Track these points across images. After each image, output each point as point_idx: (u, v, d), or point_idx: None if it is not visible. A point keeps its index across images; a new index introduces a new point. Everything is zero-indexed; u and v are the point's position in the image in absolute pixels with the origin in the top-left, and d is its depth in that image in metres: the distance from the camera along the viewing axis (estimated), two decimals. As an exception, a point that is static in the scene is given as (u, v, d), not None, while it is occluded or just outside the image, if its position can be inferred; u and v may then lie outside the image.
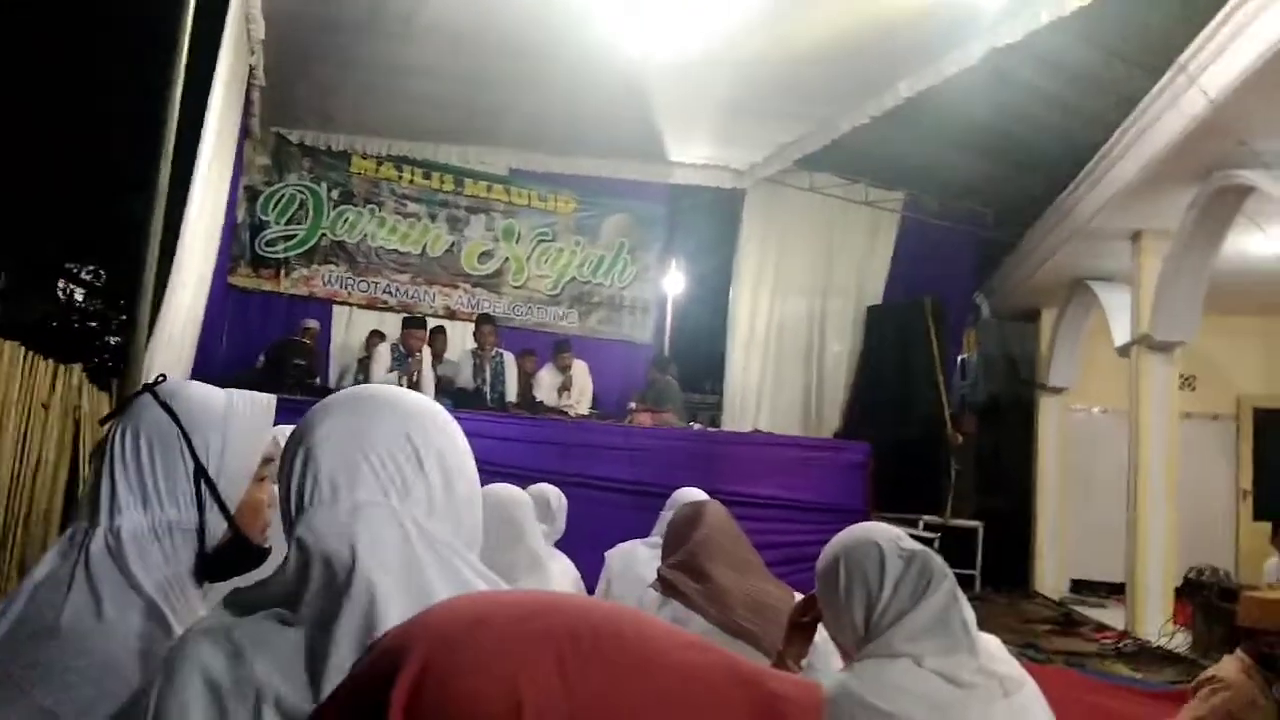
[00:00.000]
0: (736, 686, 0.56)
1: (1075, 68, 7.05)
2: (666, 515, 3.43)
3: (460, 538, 0.99)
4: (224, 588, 1.37)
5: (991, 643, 1.67)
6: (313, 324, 8.69)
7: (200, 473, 1.25)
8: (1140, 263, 7.90)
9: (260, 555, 1.33)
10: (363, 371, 8.22)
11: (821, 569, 1.75)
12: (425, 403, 1.06)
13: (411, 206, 9.73)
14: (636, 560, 3.30)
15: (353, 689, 0.58)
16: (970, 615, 1.63)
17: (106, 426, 1.32)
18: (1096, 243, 8.27)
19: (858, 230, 10.16)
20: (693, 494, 3.48)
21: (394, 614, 0.87)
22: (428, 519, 0.94)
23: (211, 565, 1.27)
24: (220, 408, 1.29)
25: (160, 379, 1.34)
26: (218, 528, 1.27)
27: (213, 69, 5.21)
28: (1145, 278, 7.77)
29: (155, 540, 1.23)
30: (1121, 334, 8.35)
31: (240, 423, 1.30)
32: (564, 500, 3.72)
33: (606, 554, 3.49)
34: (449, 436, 1.03)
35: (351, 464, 0.95)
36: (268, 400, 1.36)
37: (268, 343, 8.31)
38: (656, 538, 3.42)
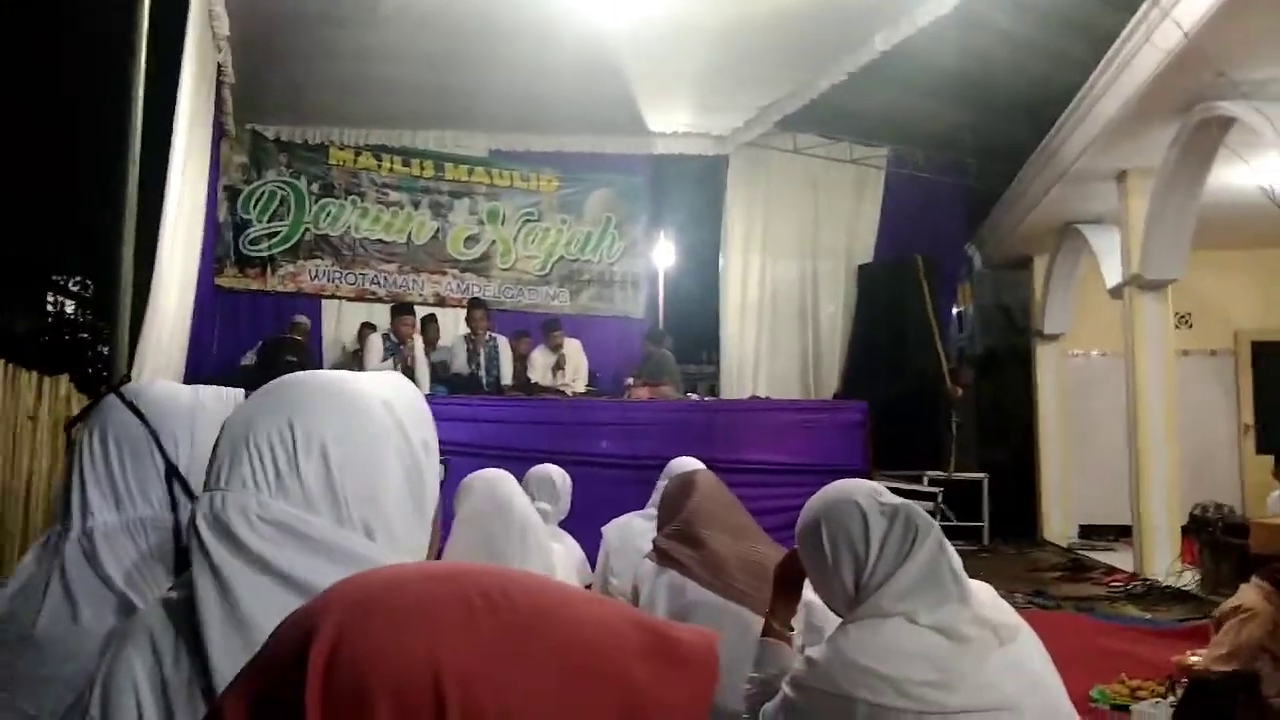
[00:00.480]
0: (635, 630, 0.57)
1: (1048, 9, 6.99)
2: (663, 485, 3.44)
3: (348, 531, 0.90)
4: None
5: (984, 590, 1.65)
6: (303, 320, 8.66)
7: (171, 470, 1.24)
8: (1127, 203, 7.87)
9: None
10: (356, 364, 8.20)
11: (803, 533, 1.71)
12: (344, 387, 0.96)
13: (393, 195, 9.68)
14: (633, 533, 3.31)
15: (261, 668, 0.56)
16: (958, 563, 1.62)
17: (71, 432, 1.30)
18: (1082, 185, 8.23)
19: (844, 189, 10.13)
20: (688, 463, 3.48)
21: (207, 605, 0.86)
22: (303, 510, 0.88)
23: (189, 561, 1.26)
24: (187, 404, 1.29)
25: (125, 379, 1.33)
26: None
27: (178, 69, 5.15)
28: (1133, 218, 7.73)
29: (130, 538, 1.22)
30: (1113, 276, 8.33)
31: (208, 418, 1.29)
32: (568, 480, 3.72)
33: (603, 529, 3.49)
34: (350, 426, 0.92)
35: (236, 451, 0.91)
36: (234, 394, 1.35)
37: (259, 342, 8.29)
38: (652, 509, 3.42)
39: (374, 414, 0.94)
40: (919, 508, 1.66)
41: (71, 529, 1.23)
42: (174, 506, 1.25)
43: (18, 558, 3.36)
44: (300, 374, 0.99)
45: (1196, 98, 6.28)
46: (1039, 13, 7.02)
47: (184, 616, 0.89)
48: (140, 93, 4.00)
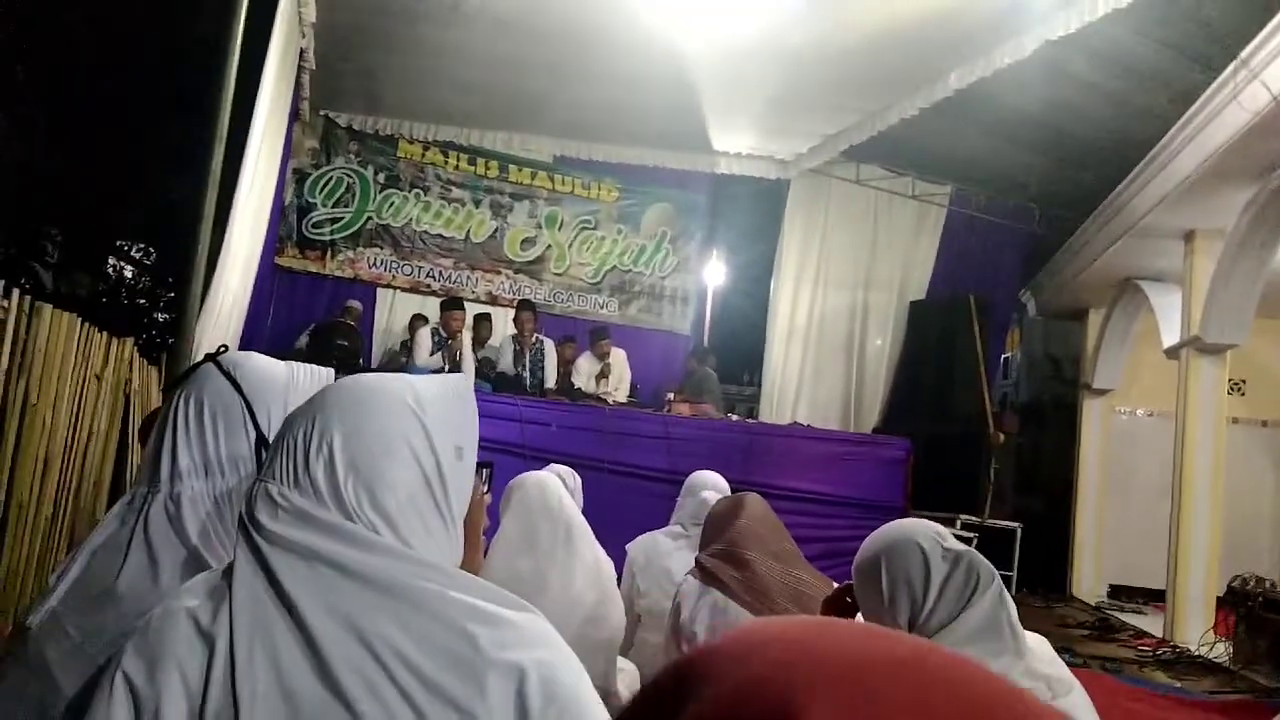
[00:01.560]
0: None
1: (1130, 61, 6.90)
2: (684, 501, 3.44)
3: (349, 524, 0.93)
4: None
5: (1040, 644, 1.64)
6: (355, 304, 8.78)
7: (262, 442, 1.27)
8: (1192, 263, 7.74)
9: None
10: (405, 354, 8.29)
11: (861, 569, 1.70)
12: (371, 389, 0.99)
13: (456, 192, 9.80)
14: (659, 553, 3.31)
15: None
16: (1015, 616, 1.61)
17: (168, 395, 1.33)
18: (1148, 241, 8.11)
19: (903, 224, 10.06)
20: (715, 480, 3.49)
21: (240, 573, 0.93)
22: (314, 505, 0.93)
23: None
24: (282, 379, 1.31)
25: (222, 349, 1.36)
26: None
27: (265, 51, 5.27)
28: (1197, 278, 7.61)
29: (215, 507, 1.24)
30: (1171, 335, 8.20)
31: (301, 395, 1.31)
32: (578, 480, 3.72)
33: (627, 547, 3.48)
34: (359, 427, 0.95)
35: (278, 443, 0.98)
36: (327, 373, 1.37)
37: (312, 323, 8.41)
38: (676, 527, 3.42)
39: (393, 413, 0.97)
40: (982, 557, 1.65)
41: (159, 491, 1.24)
42: None
43: (73, 511, 3.44)
44: (353, 376, 1.04)
45: (1277, 162, 6.18)
46: (1121, 64, 6.94)
47: (225, 584, 0.94)
48: (233, 72, 4.09)
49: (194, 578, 1.00)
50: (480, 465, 1.05)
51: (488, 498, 1.17)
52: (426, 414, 0.98)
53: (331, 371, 1.38)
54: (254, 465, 1.27)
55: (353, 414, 0.96)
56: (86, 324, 3.28)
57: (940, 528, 1.70)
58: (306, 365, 1.36)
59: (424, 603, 0.91)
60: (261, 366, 1.32)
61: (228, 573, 0.94)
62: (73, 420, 3.30)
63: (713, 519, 2.70)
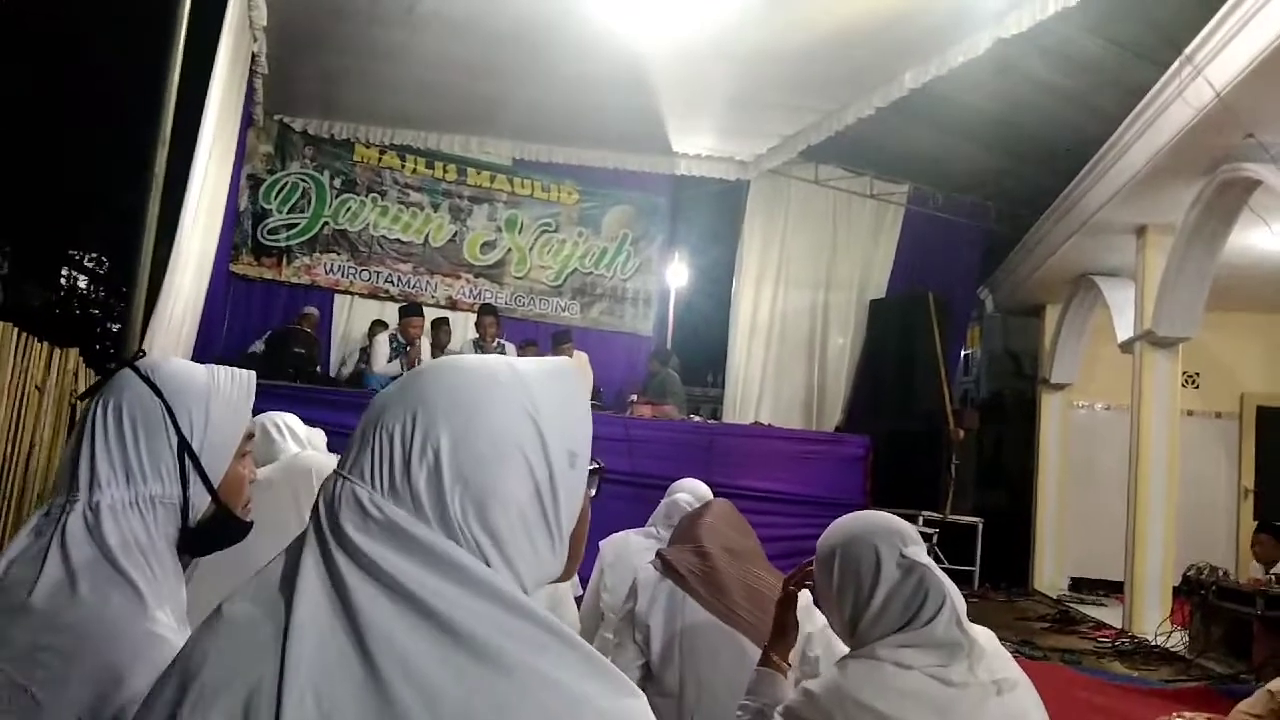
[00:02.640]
0: None
1: (1081, 59, 7.01)
2: (665, 503, 3.43)
3: (462, 549, 0.79)
4: (205, 562, 1.37)
5: (987, 640, 1.64)
6: (312, 311, 8.69)
7: (184, 446, 1.24)
8: (1144, 258, 7.87)
9: (243, 529, 1.33)
10: (364, 360, 8.22)
11: (820, 552, 1.72)
12: (482, 381, 0.85)
13: (414, 195, 9.72)
14: (630, 550, 3.30)
15: None
16: (966, 627, 1.59)
17: (85, 403, 1.30)
18: (1101, 237, 8.24)
19: (862, 223, 10.15)
20: (693, 485, 3.48)
21: (304, 591, 0.78)
22: (413, 516, 0.79)
23: (195, 539, 1.27)
24: (203, 383, 1.28)
25: (140, 354, 1.33)
26: (201, 502, 1.26)
27: (213, 54, 5.19)
28: (1149, 273, 7.74)
29: (139, 514, 1.21)
30: (1125, 329, 8.33)
31: (223, 398, 1.29)
32: None
33: (600, 544, 3.48)
34: (471, 429, 0.82)
35: (365, 437, 0.84)
36: (248, 376, 1.34)
37: (269, 330, 8.31)
38: (651, 528, 3.41)
39: (506, 416, 0.83)
40: (939, 576, 1.62)
41: (77, 501, 1.21)
42: (184, 483, 1.25)
43: (15, 524, 3.36)
44: (447, 360, 0.90)
45: (1223, 158, 6.29)
46: (1073, 62, 7.04)
47: (282, 596, 0.80)
48: (176, 75, 4.03)
49: (242, 584, 0.84)
50: (592, 471, 0.92)
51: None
52: (541, 415, 0.84)
53: (253, 374, 1.35)
54: (177, 470, 1.24)
55: (461, 413, 0.82)
56: (24, 335, 3.21)
57: (909, 531, 1.68)
58: (227, 368, 1.33)
59: (529, 687, 0.75)
60: (181, 369, 1.29)
61: (287, 584, 0.80)
62: (11, 431, 3.23)
63: (681, 522, 2.70)
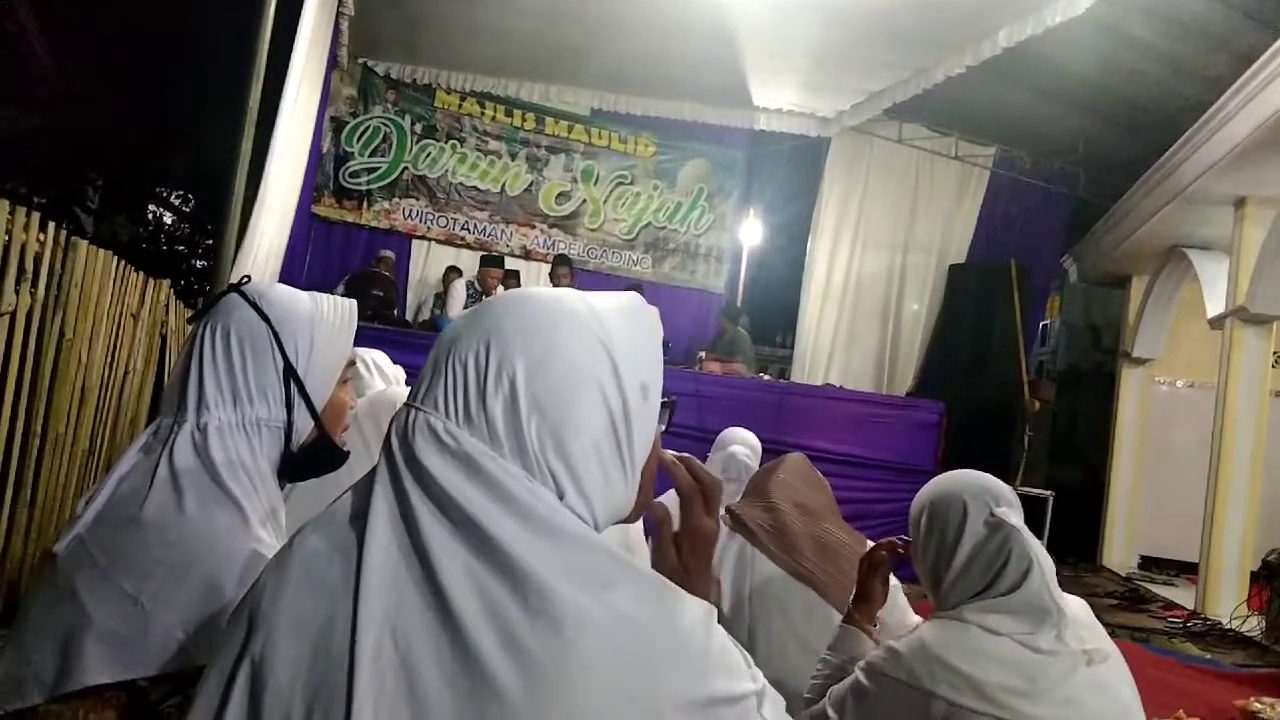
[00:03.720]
0: None
1: (1188, 20, 6.69)
2: (714, 457, 3.41)
3: (535, 484, 0.79)
4: (304, 490, 1.39)
5: (1080, 610, 1.61)
6: (388, 254, 8.81)
7: (290, 371, 1.26)
8: (1242, 231, 7.55)
9: (342, 457, 1.35)
10: (439, 306, 8.32)
11: (913, 509, 1.72)
12: (555, 310, 0.84)
13: (492, 144, 9.75)
14: None
15: None
16: (1055, 593, 1.57)
17: (193, 326, 1.32)
18: (1196, 208, 7.92)
19: (945, 185, 9.90)
20: (745, 435, 3.44)
21: (375, 530, 0.78)
22: (488, 446, 0.78)
23: (296, 464, 1.29)
24: (307, 310, 1.30)
25: (245, 279, 1.35)
26: (304, 427, 1.28)
27: (303, -4, 5.22)
28: (1246, 247, 7.43)
29: (244, 436, 1.24)
30: (1216, 305, 8.03)
31: (326, 325, 1.30)
32: None
33: (655, 501, 3.47)
34: (547, 357, 0.81)
35: (437, 367, 0.83)
36: (350, 305, 1.36)
37: (348, 272, 8.45)
38: None
39: (581, 346, 0.83)
40: (1028, 539, 1.60)
41: (185, 421, 1.23)
42: (289, 408, 1.27)
43: (109, 447, 3.49)
44: (518, 291, 0.89)
45: (1335, 128, 5.98)
46: (1179, 23, 6.74)
47: (353, 530, 0.80)
48: (269, 16, 4.07)
49: (314, 518, 0.85)
50: (663, 405, 0.90)
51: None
52: (615, 346, 0.84)
53: (354, 303, 1.37)
54: (282, 393, 1.26)
55: (537, 342, 0.81)
56: (122, 263, 3.30)
57: (1004, 492, 1.66)
58: (329, 296, 1.35)
59: (593, 625, 0.74)
60: (286, 296, 1.31)
61: (358, 520, 0.79)
62: (109, 356, 3.34)
63: (755, 477, 2.69)
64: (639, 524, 2.84)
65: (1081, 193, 9.87)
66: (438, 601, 0.74)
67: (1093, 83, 7.76)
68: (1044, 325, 11.82)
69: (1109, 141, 8.99)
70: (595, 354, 0.83)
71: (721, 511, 2.64)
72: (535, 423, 0.80)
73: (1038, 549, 1.59)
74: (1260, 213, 7.34)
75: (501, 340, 0.82)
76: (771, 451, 3.15)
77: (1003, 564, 1.56)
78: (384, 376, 2.48)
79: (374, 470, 0.82)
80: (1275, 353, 8.06)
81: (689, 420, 6.65)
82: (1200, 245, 8.70)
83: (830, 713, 1.64)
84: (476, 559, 0.75)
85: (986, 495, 1.63)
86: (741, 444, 3.37)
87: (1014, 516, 1.61)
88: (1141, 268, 9.91)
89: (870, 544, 2.45)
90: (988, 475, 1.70)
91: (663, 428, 0.91)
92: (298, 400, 1.26)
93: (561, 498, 0.80)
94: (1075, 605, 1.60)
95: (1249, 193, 7.39)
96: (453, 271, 8.62)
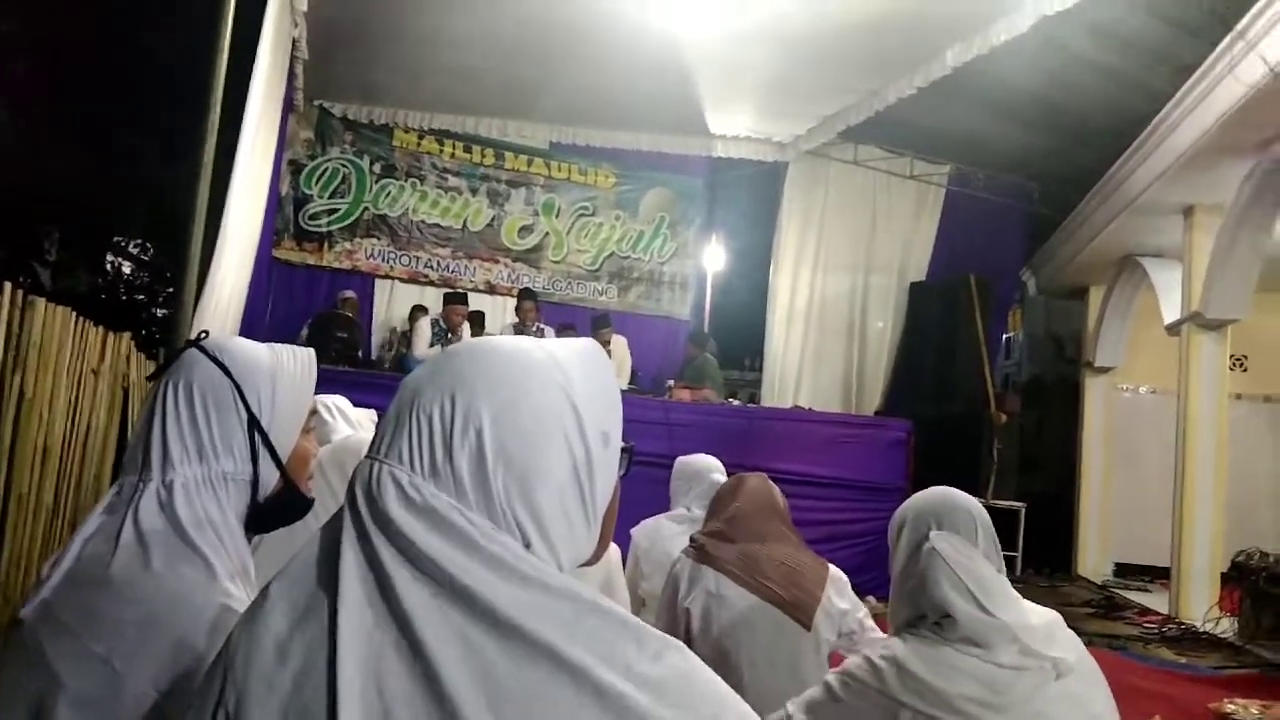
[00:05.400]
0: None
1: (1129, 36, 6.87)
2: (688, 486, 3.44)
3: (503, 534, 0.79)
4: (273, 538, 1.39)
5: (1042, 620, 1.63)
6: (351, 295, 8.78)
7: (254, 424, 1.26)
8: (1192, 238, 7.72)
9: (307, 506, 1.35)
10: (404, 344, 8.29)
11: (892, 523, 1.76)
12: (517, 361, 0.84)
13: (452, 180, 9.78)
14: (662, 536, 3.32)
15: None
16: (1001, 612, 1.57)
17: (153, 384, 1.32)
18: (1147, 218, 8.09)
19: (902, 204, 10.05)
20: (712, 461, 3.49)
21: (347, 583, 0.77)
22: (454, 499, 0.78)
23: (263, 515, 1.29)
24: (268, 362, 1.30)
25: (203, 335, 1.35)
26: (270, 478, 1.28)
27: (256, 41, 5.23)
28: (1197, 254, 7.59)
29: (211, 491, 1.23)
30: (1171, 312, 8.18)
31: (287, 376, 1.31)
32: None
33: (631, 531, 3.49)
34: (512, 408, 0.81)
35: (400, 420, 0.82)
36: (308, 354, 1.37)
37: (311, 314, 8.41)
38: (681, 510, 3.42)
39: (546, 396, 0.83)
40: (951, 565, 1.60)
41: (151, 480, 1.23)
42: (254, 460, 1.27)
43: (74, 505, 3.44)
44: (479, 341, 0.89)
45: (1275, 135, 6.14)
46: (1119, 39, 6.91)
47: (322, 588, 0.79)
48: (223, 62, 4.07)
49: (280, 571, 0.84)
50: (622, 450, 0.91)
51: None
52: (577, 394, 0.84)
53: (313, 352, 1.37)
54: (247, 446, 1.26)
55: (502, 393, 0.81)
56: (82, 318, 3.27)
57: (959, 512, 1.67)
58: (288, 346, 1.35)
59: (574, 669, 0.74)
60: (246, 349, 1.31)
61: (327, 574, 0.79)
62: (71, 413, 3.30)
63: (716, 497, 2.71)
64: (618, 561, 2.84)
65: (1037, 206, 10.05)
66: (415, 653, 0.73)
67: (1041, 98, 7.93)
68: (1007, 338, 11.97)
69: (1060, 155, 9.17)
70: (559, 403, 0.83)
71: (683, 542, 2.66)
72: (502, 473, 0.80)
73: (976, 571, 1.58)
74: (1208, 220, 7.50)
75: (466, 392, 0.81)
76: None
77: (919, 587, 1.57)
78: (347, 421, 2.48)
79: (335, 523, 0.82)
80: (1232, 356, 8.22)
81: (660, 448, 6.63)
82: (1153, 253, 8.88)
83: (800, 716, 1.65)
84: (451, 609, 0.75)
85: (930, 517, 1.64)
86: (719, 472, 3.42)
87: (946, 541, 1.60)
88: (1098, 277, 10.08)
89: (830, 566, 2.49)
90: (954, 493, 1.71)
91: (623, 473, 0.92)
92: (263, 452, 1.26)
93: (527, 546, 0.80)
94: (1042, 617, 1.62)
95: (1196, 200, 7.56)
96: (418, 310, 8.61)
